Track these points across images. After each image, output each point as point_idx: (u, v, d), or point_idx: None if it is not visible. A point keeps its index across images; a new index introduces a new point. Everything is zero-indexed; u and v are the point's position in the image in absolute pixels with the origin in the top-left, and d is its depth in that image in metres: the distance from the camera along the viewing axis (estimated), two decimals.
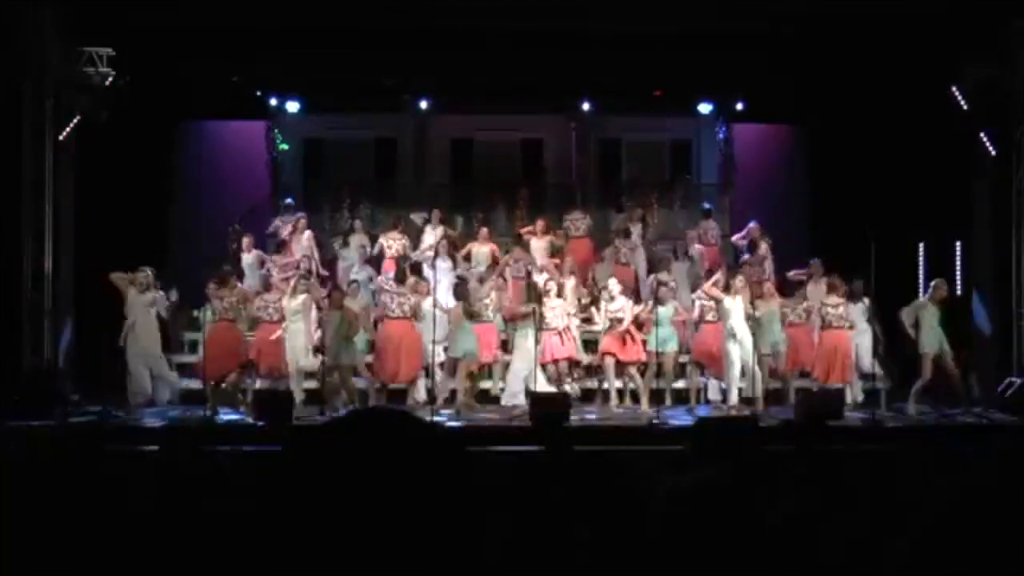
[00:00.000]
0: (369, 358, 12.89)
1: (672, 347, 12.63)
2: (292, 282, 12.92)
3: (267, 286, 12.89)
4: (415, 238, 15.14)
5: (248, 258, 14.42)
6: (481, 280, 13.25)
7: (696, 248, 14.67)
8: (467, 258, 14.68)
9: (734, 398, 12.29)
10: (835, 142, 15.10)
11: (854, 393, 12.58)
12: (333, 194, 16.38)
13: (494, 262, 14.27)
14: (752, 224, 14.80)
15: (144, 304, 12.48)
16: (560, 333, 12.74)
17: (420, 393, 12.68)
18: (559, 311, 12.82)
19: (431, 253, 14.38)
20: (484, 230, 14.98)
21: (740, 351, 12.16)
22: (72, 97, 13.18)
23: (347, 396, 12.10)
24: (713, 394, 13.11)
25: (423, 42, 13.79)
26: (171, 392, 12.83)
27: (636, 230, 15.10)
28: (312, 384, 12.61)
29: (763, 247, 14.45)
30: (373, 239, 15.01)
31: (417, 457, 1.66)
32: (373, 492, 1.61)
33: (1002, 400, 12.59)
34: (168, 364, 12.91)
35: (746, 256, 14.57)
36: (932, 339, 12.10)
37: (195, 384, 12.72)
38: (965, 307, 13.43)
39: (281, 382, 12.31)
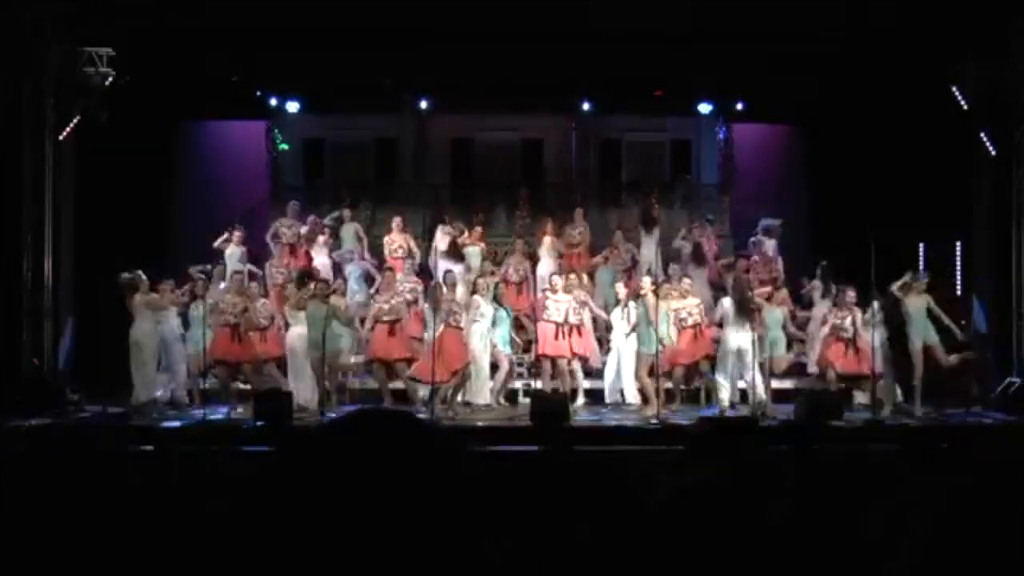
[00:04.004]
0: (361, 358, 12.86)
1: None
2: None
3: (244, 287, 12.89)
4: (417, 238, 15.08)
5: (236, 252, 14.30)
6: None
7: (685, 244, 14.60)
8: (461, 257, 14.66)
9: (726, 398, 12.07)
10: (835, 142, 15.10)
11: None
12: (333, 194, 16.38)
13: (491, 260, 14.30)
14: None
15: (144, 306, 12.46)
16: (558, 327, 12.47)
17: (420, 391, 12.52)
18: (563, 306, 12.52)
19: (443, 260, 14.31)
20: (478, 229, 14.90)
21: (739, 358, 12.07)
22: (72, 97, 13.18)
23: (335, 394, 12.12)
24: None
25: (423, 42, 13.79)
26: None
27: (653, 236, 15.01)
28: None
29: (767, 245, 14.38)
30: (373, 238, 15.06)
31: (415, 457, 1.66)
32: (371, 492, 1.61)
33: (1002, 400, 12.56)
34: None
35: (755, 258, 14.41)
36: (917, 332, 12.02)
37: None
38: (963, 307, 13.37)
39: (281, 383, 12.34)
